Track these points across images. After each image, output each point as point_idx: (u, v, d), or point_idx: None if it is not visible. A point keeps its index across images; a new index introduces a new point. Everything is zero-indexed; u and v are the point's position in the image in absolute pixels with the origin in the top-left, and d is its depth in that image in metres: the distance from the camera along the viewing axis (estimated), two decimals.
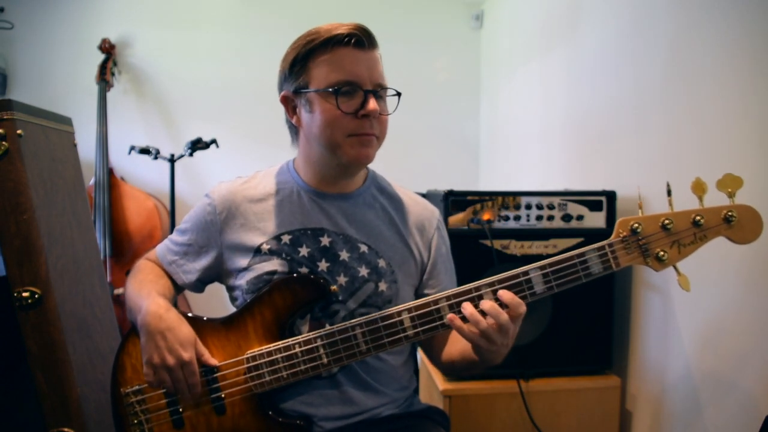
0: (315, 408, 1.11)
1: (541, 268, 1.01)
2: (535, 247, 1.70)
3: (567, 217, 1.72)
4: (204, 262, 1.17)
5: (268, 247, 1.12)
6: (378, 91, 1.08)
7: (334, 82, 1.05)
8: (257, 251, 1.13)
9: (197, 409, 1.08)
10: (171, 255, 1.21)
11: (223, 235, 1.15)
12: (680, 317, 1.56)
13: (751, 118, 1.31)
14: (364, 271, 1.13)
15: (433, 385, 1.77)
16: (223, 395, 1.08)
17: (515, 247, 1.70)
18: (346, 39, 1.05)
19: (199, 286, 1.21)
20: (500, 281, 1.00)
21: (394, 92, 1.13)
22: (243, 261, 1.13)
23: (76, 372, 1.29)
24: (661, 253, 0.99)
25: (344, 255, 1.13)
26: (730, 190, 0.97)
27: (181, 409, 1.09)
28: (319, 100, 1.07)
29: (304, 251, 1.12)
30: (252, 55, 3.14)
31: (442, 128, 3.31)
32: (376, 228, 1.17)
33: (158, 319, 1.03)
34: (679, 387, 1.56)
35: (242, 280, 1.13)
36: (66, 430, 1.27)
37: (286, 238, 1.13)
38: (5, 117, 1.23)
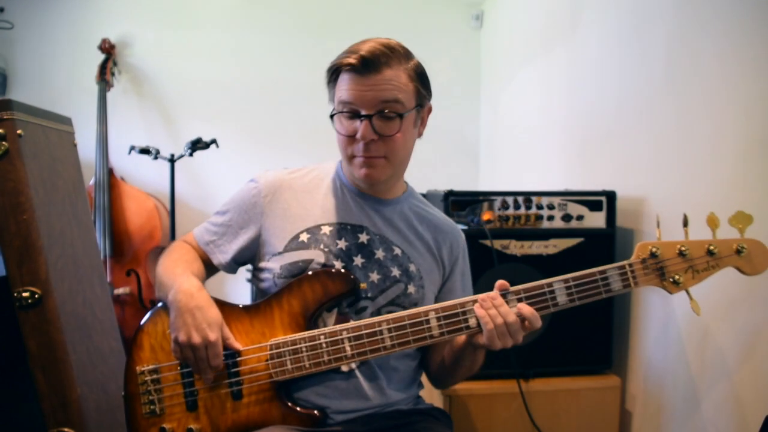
0: (329, 400, 1.12)
1: (565, 281, 1.07)
2: (535, 247, 1.70)
3: (567, 217, 1.72)
4: (241, 241, 1.20)
5: (308, 236, 1.16)
6: (381, 113, 1.09)
7: (337, 105, 1.12)
8: (295, 238, 1.16)
9: (213, 393, 1.09)
10: (209, 235, 1.24)
11: (264, 217, 1.19)
12: (680, 317, 1.56)
13: (754, 117, 1.31)
14: (396, 272, 1.17)
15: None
16: (242, 380, 1.09)
17: (515, 247, 1.70)
18: (347, 66, 1.09)
19: (233, 266, 1.24)
20: (526, 290, 1.06)
21: (394, 115, 1.09)
22: (279, 245, 1.16)
23: (76, 372, 1.29)
24: (677, 277, 1.07)
25: (380, 254, 1.17)
26: (740, 226, 1.05)
27: (195, 390, 1.09)
28: (334, 118, 1.14)
29: (342, 244, 1.16)
30: (252, 55, 3.14)
31: (442, 128, 3.30)
32: (409, 237, 1.22)
33: (190, 297, 1.05)
34: (679, 387, 1.56)
35: (275, 264, 1.15)
36: (66, 430, 1.27)
37: (326, 229, 1.17)
38: (5, 117, 1.23)
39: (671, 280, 1.07)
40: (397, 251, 1.19)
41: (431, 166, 3.25)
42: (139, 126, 3.12)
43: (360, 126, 1.09)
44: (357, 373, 1.14)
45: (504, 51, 2.99)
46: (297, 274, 1.13)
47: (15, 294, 1.23)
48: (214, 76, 3.13)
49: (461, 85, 3.31)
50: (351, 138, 1.11)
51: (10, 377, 1.40)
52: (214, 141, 2.73)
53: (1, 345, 1.36)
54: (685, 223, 1.07)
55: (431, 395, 1.81)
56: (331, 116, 1.14)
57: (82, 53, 3.01)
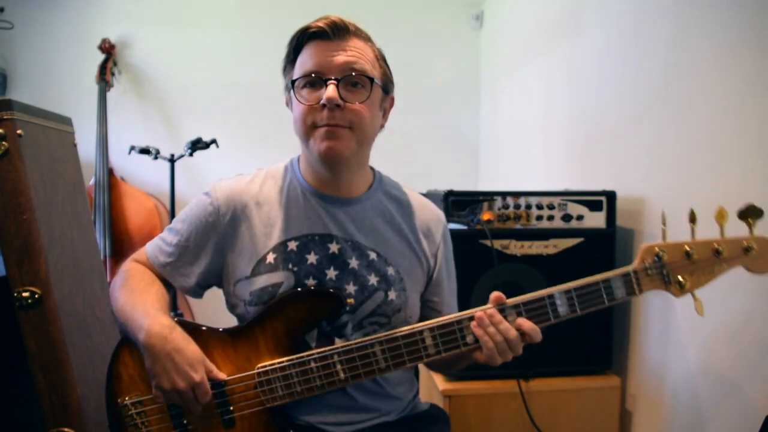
0: (323, 416, 1.08)
1: (566, 291, 1.01)
2: (535, 247, 1.70)
3: (567, 217, 1.72)
4: (203, 265, 1.12)
5: (274, 256, 1.08)
6: (346, 78, 1.03)
7: (299, 74, 1.05)
8: (262, 260, 1.08)
9: (204, 422, 1.04)
10: (164, 256, 1.14)
11: (226, 238, 1.11)
12: (680, 317, 1.56)
13: (753, 117, 1.31)
14: (373, 280, 1.10)
15: (433, 385, 1.77)
16: (231, 408, 1.04)
17: (515, 247, 1.70)
18: (311, 32, 1.04)
19: (198, 291, 1.16)
20: (525, 303, 1.01)
21: (362, 83, 1.05)
22: (245, 269, 1.09)
23: (76, 372, 1.29)
24: (682, 280, 1.01)
25: (354, 263, 1.09)
26: (750, 220, 0.99)
27: (185, 422, 1.05)
28: (293, 95, 1.07)
29: (312, 258, 1.08)
30: (252, 55, 3.13)
31: (442, 128, 3.30)
32: (384, 234, 1.14)
33: (163, 340, 0.98)
34: (679, 387, 1.56)
35: (244, 291, 1.09)
36: (66, 430, 1.26)
37: (292, 245, 1.09)
38: (5, 117, 1.23)
39: (677, 283, 1.01)
40: (372, 256, 1.10)
41: (431, 166, 3.25)
42: (139, 126, 3.12)
43: (324, 90, 1.01)
44: (352, 388, 1.09)
45: (504, 51, 2.99)
46: (267, 300, 1.06)
47: (15, 294, 1.23)
48: (214, 76, 3.13)
49: (461, 85, 3.31)
50: (312, 107, 1.03)
51: (10, 377, 1.40)
52: (214, 141, 2.74)
53: (1, 345, 1.36)
54: (692, 219, 1.00)
55: (431, 394, 1.81)
56: (299, 85, 1.05)
57: (82, 53, 3.01)
